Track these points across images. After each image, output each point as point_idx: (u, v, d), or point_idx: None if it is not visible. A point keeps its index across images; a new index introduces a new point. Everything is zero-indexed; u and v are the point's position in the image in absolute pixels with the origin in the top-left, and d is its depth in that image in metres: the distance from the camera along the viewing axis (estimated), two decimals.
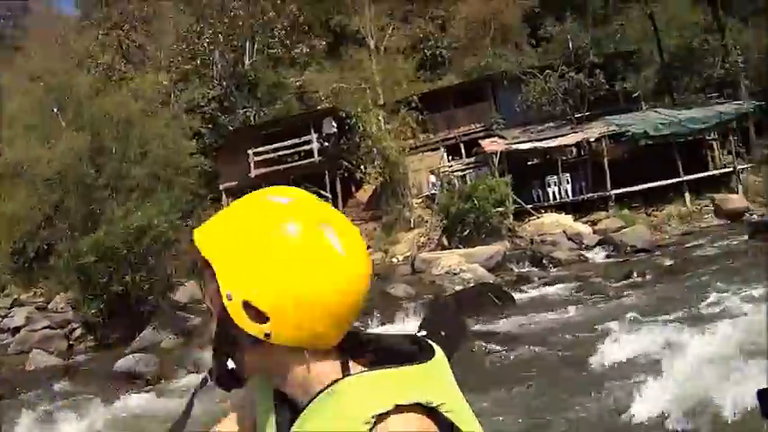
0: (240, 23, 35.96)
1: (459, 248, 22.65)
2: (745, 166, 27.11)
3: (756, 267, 14.43)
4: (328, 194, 28.56)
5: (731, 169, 26.14)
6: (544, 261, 20.80)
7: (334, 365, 1.18)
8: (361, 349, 1.25)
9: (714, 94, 31.20)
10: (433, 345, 1.25)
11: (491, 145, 26.97)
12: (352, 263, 1.16)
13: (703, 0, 33.99)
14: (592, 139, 26.40)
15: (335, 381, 1.15)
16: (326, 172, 29.25)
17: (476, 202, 23.19)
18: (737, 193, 25.17)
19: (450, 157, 31.59)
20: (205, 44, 35.60)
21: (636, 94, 30.20)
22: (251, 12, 36.38)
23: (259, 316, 1.13)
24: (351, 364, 1.20)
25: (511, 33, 40.91)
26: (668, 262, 18.30)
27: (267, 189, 1.25)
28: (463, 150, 31.06)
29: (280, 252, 1.13)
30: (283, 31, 37.55)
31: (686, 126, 25.53)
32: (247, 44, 36.52)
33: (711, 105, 28.02)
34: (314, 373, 1.18)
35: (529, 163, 29.08)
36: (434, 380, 1.17)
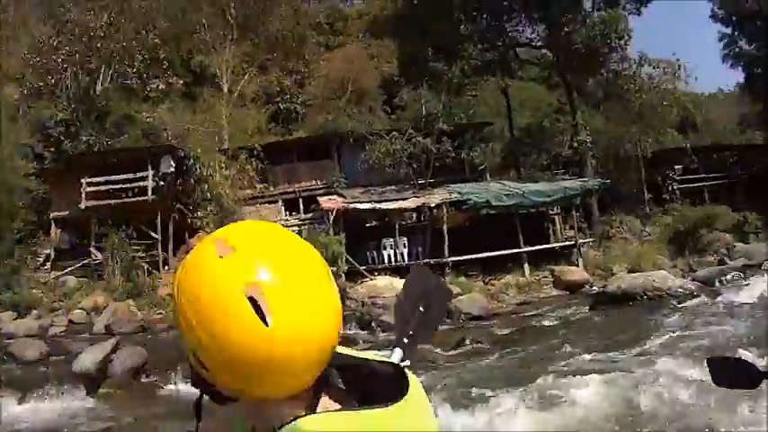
0: (98, 45, 33.34)
1: None
2: (587, 240, 27.24)
3: (596, 337, 14.18)
4: (158, 236, 26.57)
5: (573, 243, 26.09)
6: (373, 324, 19.17)
7: (299, 403, 1.15)
8: (340, 378, 1.23)
9: (560, 171, 31.34)
10: (411, 378, 1.24)
11: (329, 202, 25.49)
12: (280, 332, 1.07)
13: (558, 83, 34.47)
14: (432, 205, 25.45)
15: (297, 417, 1.11)
16: (159, 213, 26.82)
17: None
18: (578, 265, 24.96)
19: (288, 212, 29.91)
20: (59, 60, 32.80)
21: (482, 167, 29.79)
22: (112, 36, 33.78)
23: (201, 363, 1.12)
24: (322, 400, 1.17)
25: (367, 97, 40.73)
26: (504, 331, 17.56)
27: (225, 229, 1.18)
28: (302, 206, 29.64)
29: (204, 315, 1.08)
30: (142, 64, 35.50)
31: (530, 198, 25.16)
32: (103, 70, 33.92)
33: (557, 181, 28.04)
34: (276, 412, 1.15)
35: (367, 225, 27.80)
36: (398, 426, 1.13)
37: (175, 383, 13.35)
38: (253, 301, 1.06)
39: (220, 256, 1.10)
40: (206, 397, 1.21)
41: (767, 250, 25.33)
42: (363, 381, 1.23)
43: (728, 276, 21.30)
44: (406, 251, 25.21)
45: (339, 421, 1.09)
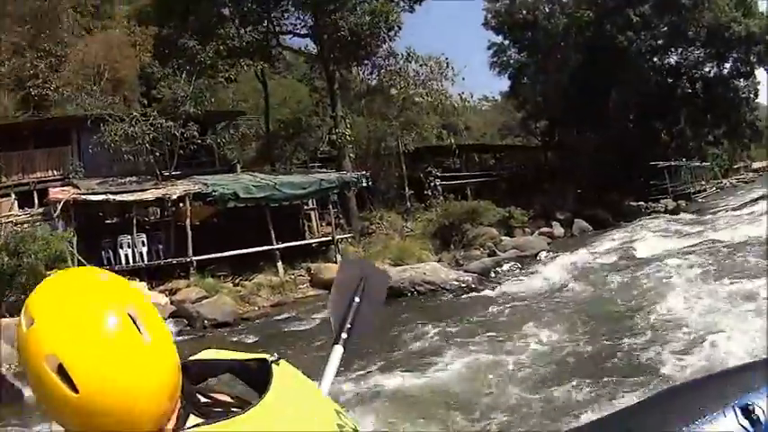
0: None
1: (6, 318, 17.50)
2: (345, 236, 25.82)
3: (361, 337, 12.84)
4: None
5: (330, 239, 24.49)
6: None
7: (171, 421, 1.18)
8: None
9: (317, 165, 29.96)
10: (279, 373, 1.28)
11: (59, 193, 22.31)
12: (90, 395, 1.07)
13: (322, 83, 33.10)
14: (174, 197, 22.48)
15: None
16: None
17: (26, 259, 18.44)
18: (336, 262, 22.98)
19: (21, 207, 26.17)
20: None
21: (235, 161, 28.11)
22: None
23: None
24: (189, 420, 1.20)
25: (123, 87, 37.67)
26: (252, 338, 15.88)
27: (33, 293, 1.16)
28: (36, 199, 25.85)
29: (31, 384, 1.13)
30: None
31: (281, 191, 23.15)
32: None
33: (313, 173, 26.49)
34: None
35: (108, 221, 24.81)
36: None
37: None
38: (61, 370, 1.05)
39: (25, 329, 1.10)
40: None
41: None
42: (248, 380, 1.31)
43: (505, 267, 21.06)
44: (145, 250, 22.16)
45: None
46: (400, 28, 30.29)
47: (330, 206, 25.95)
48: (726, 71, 47.18)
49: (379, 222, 28.10)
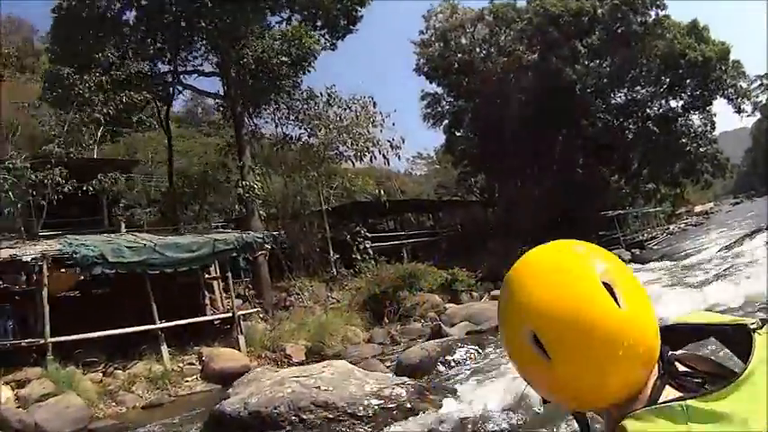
0: None
1: None
2: (251, 311, 20.79)
3: None
4: None
5: (230, 315, 19.12)
6: None
7: (639, 404, 1.15)
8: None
9: (220, 226, 25.34)
10: (759, 345, 1.15)
11: None
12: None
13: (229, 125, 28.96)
14: (27, 259, 16.62)
15: (635, 410, 1.13)
16: None
17: None
18: (239, 346, 18.26)
19: None
20: None
21: (126, 222, 23.88)
22: None
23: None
24: (664, 392, 1.16)
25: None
26: None
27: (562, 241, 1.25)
28: None
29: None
30: None
31: (163, 254, 17.75)
32: None
33: (209, 233, 21.41)
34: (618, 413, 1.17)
35: None
36: (724, 420, 1.05)
37: None
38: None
39: (504, 302, 1.19)
40: None
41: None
42: (732, 347, 1.22)
43: (457, 355, 14.10)
44: None
45: (659, 422, 1.08)
46: (315, 57, 26.54)
47: (230, 274, 20.39)
48: (680, 105, 44.87)
49: (299, 293, 23.53)
